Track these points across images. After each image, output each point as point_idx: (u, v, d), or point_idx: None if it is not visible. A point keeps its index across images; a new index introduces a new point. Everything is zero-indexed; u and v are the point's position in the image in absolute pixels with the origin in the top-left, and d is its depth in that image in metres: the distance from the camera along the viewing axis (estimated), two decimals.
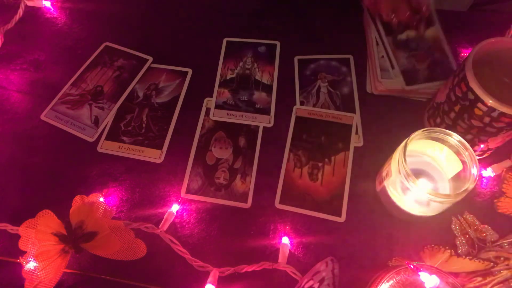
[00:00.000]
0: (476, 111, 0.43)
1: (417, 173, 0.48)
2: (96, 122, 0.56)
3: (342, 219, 0.48)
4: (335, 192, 0.50)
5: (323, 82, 0.59)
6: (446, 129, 0.44)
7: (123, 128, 0.56)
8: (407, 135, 0.43)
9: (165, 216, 0.49)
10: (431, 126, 0.51)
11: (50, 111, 0.58)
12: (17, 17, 0.67)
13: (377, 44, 0.59)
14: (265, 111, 0.57)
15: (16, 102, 0.59)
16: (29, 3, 0.68)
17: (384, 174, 0.47)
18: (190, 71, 0.61)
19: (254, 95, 0.58)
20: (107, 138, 0.55)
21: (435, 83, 0.54)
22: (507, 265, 0.41)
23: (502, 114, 0.41)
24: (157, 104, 0.58)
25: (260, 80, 0.60)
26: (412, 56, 0.57)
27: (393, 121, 0.55)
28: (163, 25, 0.66)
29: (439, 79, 0.54)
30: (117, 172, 0.53)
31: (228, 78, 0.60)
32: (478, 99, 0.42)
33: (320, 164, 0.52)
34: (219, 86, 0.59)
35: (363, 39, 0.62)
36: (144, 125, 0.56)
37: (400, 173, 0.42)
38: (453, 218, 0.47)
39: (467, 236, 0.46)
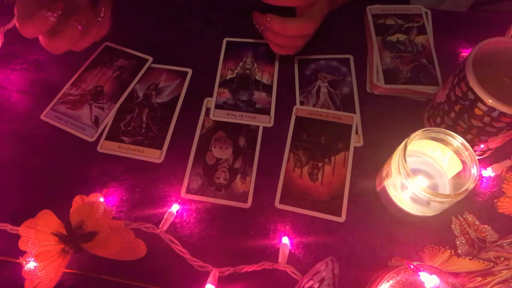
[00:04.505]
0: (476, 111, 0.43)
1: (417, 173, 0.48)
2: (96, 122, 0.56)
3: (342, 219, 0.48)
4: (335, 192, 0.50)
5: (323, 82, 0.59)
6: (446, 129, 0.44)
7: (123, 128, 0.56)
8: (407, 135, 0.43)
9: (165, 216, 0.49)
10: (431, 126, 0.51)
11: (50, 111, 0.58)
12: None
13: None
14: (265, 111, 0.57)
15: (16, 102, 0.59)
16: None
17: (384, 174, 0.47)
18: (190, 71, 0.61)
19: (254, 95, 0.58)
20: (107, 138, 0.55)
21: (415, 86, 0.55)
22: (507, 265, 0.41)
23: (502, 114, 0.41)
24: (157, 104, 0.58)
25: (260, 80, 0.60)
26: (397, 57, 0.57)
27: (393, 121, 0.55)
28: (163, 25, 0.66)
29: (420, 84, 0.55)
30: (117, 172, 0.53)
31: (228, 78, 0.60)
32: (478, 99, 0.42)
33: (320, 164, 0.52)
34: (219, 86, 0.59)
35: (363, 39, 0.62)
36: (144, 125, 0.56)
37: (400, 173, 0.42)
38: (453, 218, 0.47)
39: (467, 236, 0.46)
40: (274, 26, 0.50)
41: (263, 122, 0.56)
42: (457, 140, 0.43)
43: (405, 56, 0.58)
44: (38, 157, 0.54)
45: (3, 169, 0.54)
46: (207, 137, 0.55)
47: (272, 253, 0.47)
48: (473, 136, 0.46)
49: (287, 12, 0.52)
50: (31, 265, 0.43)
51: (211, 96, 0.58)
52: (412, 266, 0.39)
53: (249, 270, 0.45)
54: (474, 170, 0.41)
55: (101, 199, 0.49)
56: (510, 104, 0.40)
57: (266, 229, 0.48)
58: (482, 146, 0.48)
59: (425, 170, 0.48)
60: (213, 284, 0.44)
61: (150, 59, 0.62)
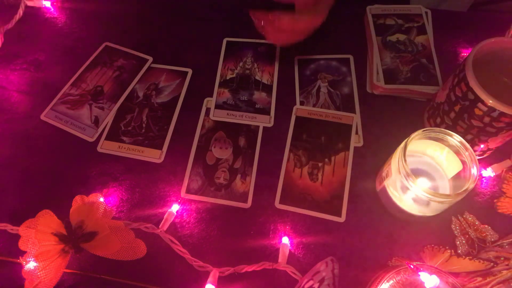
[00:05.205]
0: (476, 111, 0.43)
1: (417, 173, 0.48)
2: (96, 122, 0.56)
3: (342, 219, 0.48)
4: (335, 192, 0.50)
5: (323, 82, 0.59)
6: (446, 129, 0.44)
7: (123, 128, 0.56)
8: (407, 135, 0.43)
9: (165, 216, 0.49)
10: (431, 126, 0.51)
11: (50, 111, 0.58)
12: (17, 17, 0.67)
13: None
14: (265, 111, 0.57)
15: (16, 102, 0.59)
16: (29, 3, 0.68)
17: (384, 174, 0.47)
18: (190, 71, 0.61)
19: (254, 95, 0.58)
20: (107, 138, 0.55)
21: (415, 86, 0.55)
22: (507, 265, 0.41)
23: (502, 114, 0.41)
24: (157, 104, 0.58)
25: (260, 80, 0.60)
26: (397, 57, 0.57)
27: (393, 121, 0.55)
28: (163, 25, 0.66)
29: (420, 84, 0.55)
30: (117, 172, 0.53)
31: (228, 78, 0.60)
32: (478, 99, 0.42)
33: (320, 164, 0.52)
34: (219, 86, 0.59)
35: (363, 39, 0.62)
36: (144, 125, 0.56)
37: (400, 173, 0.42)
38: (453, 218, 0.47)
39: (467, 236, 0.46)
40: (283, 23, 0.47)
41: (263, 122, 0.56)
42: (457, 140, 0.43)
43: (405, 56, 0.58)
44: (38, 157, 0.54)
45: (3, 169, 0.54)
46: (207, 137, 0.55)
47: (272, 253, 0.47)
48: (473, 136, 0.46)
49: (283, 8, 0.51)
50: (31, 265, 0.43)
51: (211, 96, 0.58)
52: (412, 266, 0.39)
53: (249, 270, 0.45)
54: (474, 170, 0.41)
55: (101, 199, 0.49)
56: (510, 104, 0.40)
57: (266, 229, 0.48)
58: (482, 146, 0.48)
59: (425, 170, 0.48)
60: (213, 284, 0.44)
61: (150, 59, 0.62)
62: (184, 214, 0.50)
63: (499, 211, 0.48)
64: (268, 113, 0.56)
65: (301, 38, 0.52)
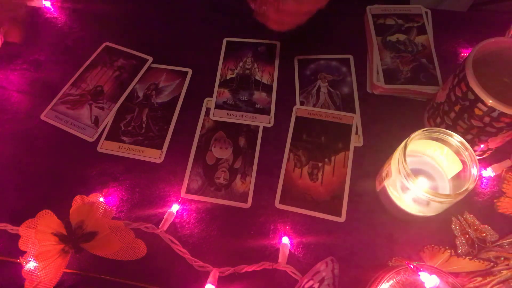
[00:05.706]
0: (476, 111, 0.43)
1: (417, 173, 0.48)
2: (96, 122, 0.56)
3: (342, 219, 0.48)
4: (335, 192, 0.50)
5: (323, 82, 0.59)
6: (446, 129, 0.44)
7: (123, 128, 0.56)
8: (407, 135, 0.43)
9: (165, 216, 0.49)
10: (431, 126, 0.51)
11: (50, 111, 0.58)
12: None
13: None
14: (265, 111, 0.57)
15: (16, 102, 0.59)
16: (29, 3, 0.68)
17: (384, 174, 0.47)
18: (190, 71, 0.61)
19: (254, 95, 0.58)
20: (107, 138, 0.55)
21: (415, 86, 0.55)
22: (507, 265, 0.41)
23: (502, 114, 0.41)
24: (157, 104, 0.58)
25: (260, 80, 0.60)
26: (397, 57, 0.57)
27: (393, 121, 0.55)
28: (163, 25, 0.66)
29: (420, 84, 0.55)
30: (117, 172, 0.53)
31: (228, 78, 0.60)
32: (478, 99, 0.42)
33: (320, 164, 0.52)
34: (219, 86, 0.59)
35: (363, 39, 0.62)
36: (144, 125, 0.56)
37: (400, 173, 0.42)
38: (453, 218, 0.47)
39: (467, 236, 0.46)
40: (288, 5, 0.46)
41: (263, 122, 0.56)
42: (457, 140, 0.43)
43: (405, 56, 0.58)
44: (38, 157, 0.54)
45: (3, 169, 0.54)
46: (207, 137, 0.55)
47: (272, 253, 0.47)
48: (473, 136, 0.46)
49: None
50: (31, 265, 0.43)
51: (211, 96, 0.58)
52: (412, 266, 0.39)
53: (249, 270, 0.45)
54: (474, 170, 0.41)
55: (101, 199, 0.49)
56: (510, 104, 0.40)
57: (266, 229, 0.48)
58: (482, 146, 0.48)
59: (425, 170, 0.48)
60: (213, 284, 0.44)
61: (150, 59, 0.62)
62: (184, 214, 0.50)
63: (499, 211, 0.48)
64: (268, 113, 0.56)
65: (304, 19, 0.50)
